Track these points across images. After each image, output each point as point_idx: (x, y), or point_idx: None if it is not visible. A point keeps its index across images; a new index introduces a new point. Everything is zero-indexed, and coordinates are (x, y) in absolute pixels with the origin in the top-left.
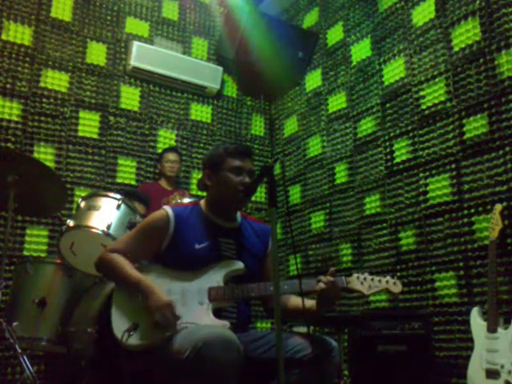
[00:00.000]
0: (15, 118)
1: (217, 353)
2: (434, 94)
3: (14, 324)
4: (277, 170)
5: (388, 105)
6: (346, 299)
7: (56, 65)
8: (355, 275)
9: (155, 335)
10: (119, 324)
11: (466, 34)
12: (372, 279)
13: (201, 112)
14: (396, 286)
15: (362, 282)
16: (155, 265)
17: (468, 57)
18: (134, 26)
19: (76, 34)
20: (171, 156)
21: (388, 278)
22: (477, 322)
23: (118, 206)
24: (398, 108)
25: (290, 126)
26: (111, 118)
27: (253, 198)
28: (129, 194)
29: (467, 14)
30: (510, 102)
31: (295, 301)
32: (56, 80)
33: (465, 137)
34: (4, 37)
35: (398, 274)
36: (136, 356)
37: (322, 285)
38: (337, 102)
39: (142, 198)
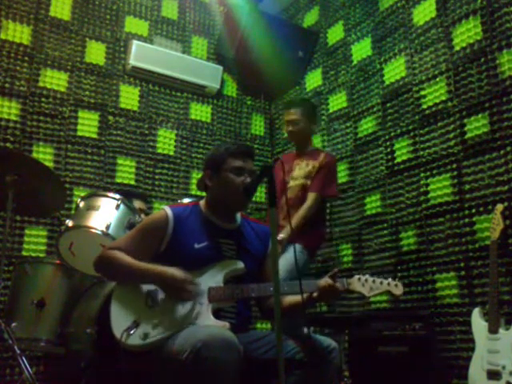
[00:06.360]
0: (14, 118)
1: (216, 353)
2: (435, 94)
3: (13, 325)
4: None
5: (389, 104)
6: (347, 300)
7: (55, 64)
8: (356, 277)
9: (156, 334)
10: (119, 323)
11: (467, 33)
12: (373, 281)
13: (200, 111)
14: (397, 288)
15: (363, 284)
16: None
17: (469, 56)
18: (134, 25)
19: (75, 33)
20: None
21: (389, 280)
22: (478, 322)
23: (118, 206)
24: (398, 107)
25: None
26: (110, 117)
27: (253, 198)
28: (126, 194)
29: (468, 13)
30: (511, 102)
31: (288, 298)
32: (55, 79)
33: (466, 136)
34: (3, 36)
35: (399, 274)
36: (135, 356)
37: (322, 284)
38: (337, 102)
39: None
